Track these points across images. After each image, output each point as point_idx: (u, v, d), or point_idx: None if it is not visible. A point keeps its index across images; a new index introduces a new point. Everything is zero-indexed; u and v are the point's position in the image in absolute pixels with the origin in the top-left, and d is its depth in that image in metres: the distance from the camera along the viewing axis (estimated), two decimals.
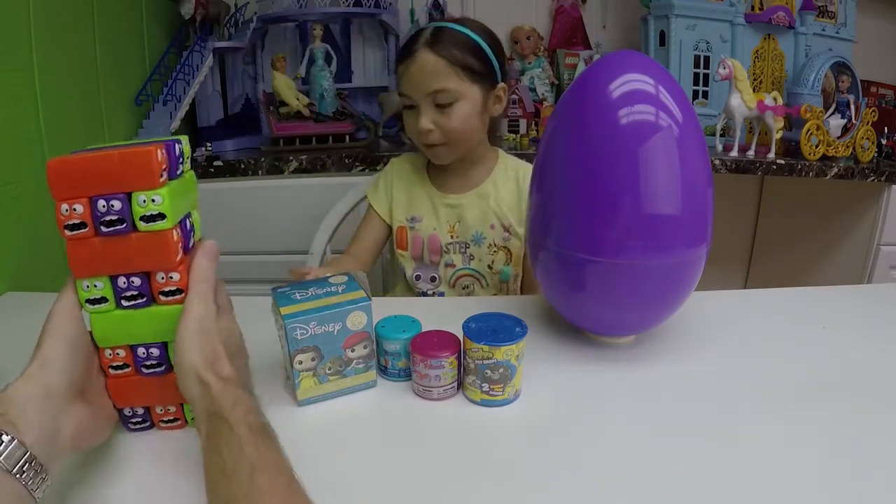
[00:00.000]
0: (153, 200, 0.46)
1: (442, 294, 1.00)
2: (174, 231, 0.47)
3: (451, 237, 0.98)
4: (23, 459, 0.37)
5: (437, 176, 1.00)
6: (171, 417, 0.53)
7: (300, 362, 0.56)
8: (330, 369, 0.57)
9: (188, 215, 0.51)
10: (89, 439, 0.45)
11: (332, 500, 0.46)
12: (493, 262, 0.98)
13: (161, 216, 0.46)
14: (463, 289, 1.00)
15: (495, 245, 0.98)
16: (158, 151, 0.46)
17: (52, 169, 0.46)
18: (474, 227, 0.97)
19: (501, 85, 0.94)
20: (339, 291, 0.59)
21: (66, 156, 0.47)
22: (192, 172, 0.54)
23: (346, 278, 0.62)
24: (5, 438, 0.37)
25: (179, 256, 0.48)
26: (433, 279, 1.00)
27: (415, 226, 0.99)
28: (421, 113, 0.90)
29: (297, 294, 0.58)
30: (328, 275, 0.63)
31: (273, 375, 0.62)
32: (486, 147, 1.00)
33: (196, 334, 0.46)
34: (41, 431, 0.39)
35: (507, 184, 0.98)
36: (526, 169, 0.99)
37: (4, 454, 0.36)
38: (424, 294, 1.01)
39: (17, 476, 0.37)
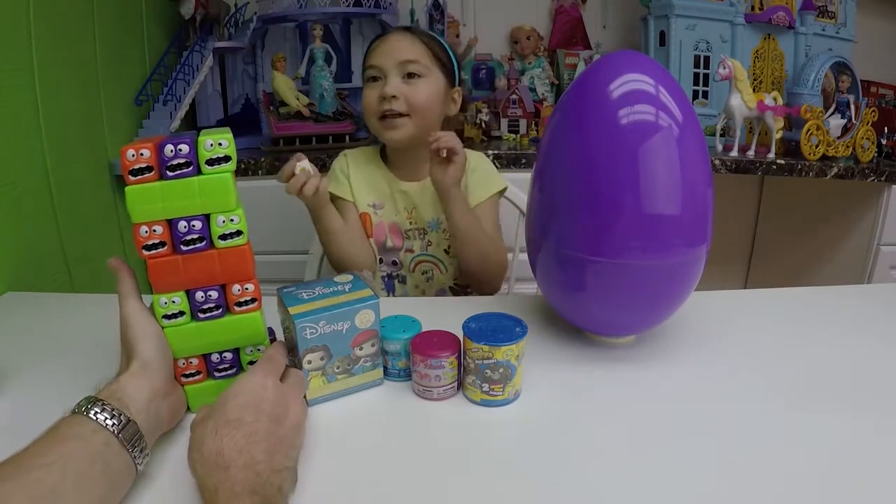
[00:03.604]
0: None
1: (404, 278, 1.01)
2: (139, 227, 0.49)
3: (410, 223, 0.99)
4: (135, 437, 0.45)
5: (392, 166, 1.00)
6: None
7: (309, 362, 0.56)
8: (338, 368, 0.58)
9: (195, 217, 0.50)
10: (179, 417, 0.53)
11: (333, 500, 0.46)
12: (448, 246, 0.99)
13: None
14: (422, 274, 1.01)
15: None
16: (129, 151, 0.47)
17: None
18: (430, 214, 0.98)
19: (457, 88, 0.99)
20: (346, 290, 0.59)
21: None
22: (225, 175, 0.51)
23: (351, 277, 0.62)
24: (124, 419, 0.44)
25: (145, 254, 0.50)
26: (394, 263, 1.01)
27: (378, 212, 1.00)
28: (387, 82, 0.90)
29: (303, 293, 0.58)
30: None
31: None
32: None
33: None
34: (148, 418, 0.47)
35: None
36: (471, 154, 0.98)
37: (124, 430, 0.44)
38: (388, 277, 1.02)
39: (130, 450, 0.44)
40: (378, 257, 1.01)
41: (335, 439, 0.53)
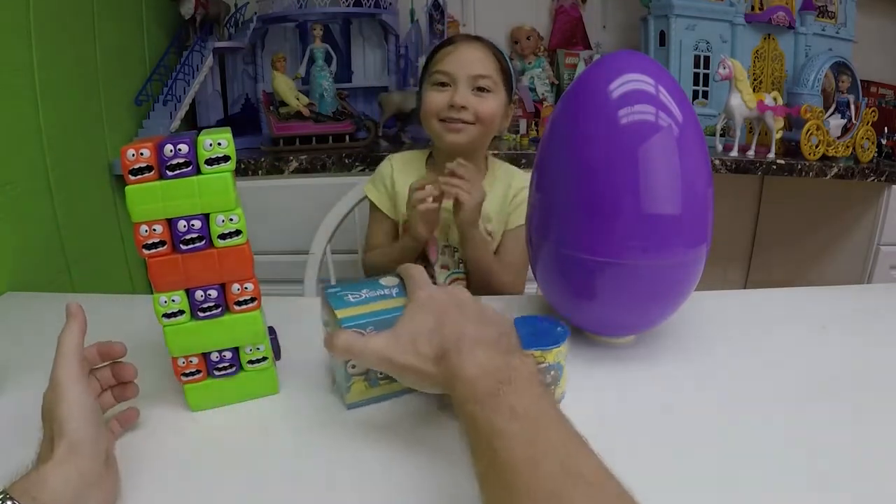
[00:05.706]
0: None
1: None
2: (139, 227, 0.50)
3: (446, 240, 1.00)
4: None
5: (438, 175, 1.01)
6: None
7: (353, 366, 0.54)
8: (381, 374, 0.56)
9: (195, 217, 0.51)
10: (111, 500, 0.44)
11: (347, 500, 0.46)
12: None
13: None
14: None
15: None
16: (129, 150, 0.48)
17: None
18: None
19: (511, 104, 1.01)
20: (393, 294, 0.57)
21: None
22: (224, 175, 0.51)
23: (397, 280, 0.59)
24: None
25: (145, 253, 0.50)
26: (431, 277, 1.00)
27: None
28: (457, 91, 0.92)
29: (349, 296, 0.56)
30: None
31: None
32: (483, 157, 1.03)
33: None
34: None
35: (493, 189, 0.99)
36: (520, 177, 1.00)
37: None
38: None
39: None
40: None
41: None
